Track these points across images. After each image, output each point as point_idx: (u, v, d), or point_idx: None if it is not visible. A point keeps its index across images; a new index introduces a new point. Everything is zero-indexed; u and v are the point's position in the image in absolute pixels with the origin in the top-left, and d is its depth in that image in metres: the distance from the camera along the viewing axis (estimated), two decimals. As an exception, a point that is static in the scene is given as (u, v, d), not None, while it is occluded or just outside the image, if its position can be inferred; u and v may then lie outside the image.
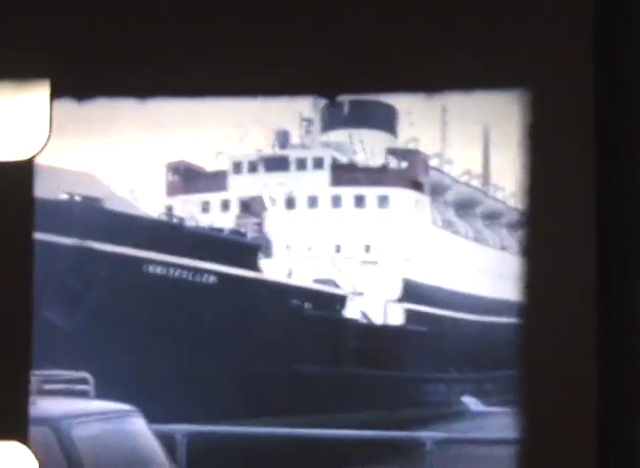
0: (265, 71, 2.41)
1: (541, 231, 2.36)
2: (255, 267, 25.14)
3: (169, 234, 22.40)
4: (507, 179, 44.93)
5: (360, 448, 16.51)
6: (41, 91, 2.47)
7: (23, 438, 2.46)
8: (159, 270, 22.57)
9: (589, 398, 2.30)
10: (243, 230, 28.32)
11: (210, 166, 33.58)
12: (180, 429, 11.11)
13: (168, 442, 9.80)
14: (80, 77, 2.51)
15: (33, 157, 2.50)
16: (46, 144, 2.51)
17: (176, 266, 23.03)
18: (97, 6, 2.55)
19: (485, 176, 43.05)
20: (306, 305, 26.39)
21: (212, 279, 23.58)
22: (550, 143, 2.38)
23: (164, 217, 24.31)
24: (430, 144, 36.57)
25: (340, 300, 27.86)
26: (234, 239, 25.61)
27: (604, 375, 2.31)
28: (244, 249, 25.26)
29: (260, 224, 29.38)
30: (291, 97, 2.77)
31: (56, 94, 2.51)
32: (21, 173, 2.50)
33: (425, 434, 12.27)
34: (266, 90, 2.51)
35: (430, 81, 2.45)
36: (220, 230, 25.87)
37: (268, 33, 2.41)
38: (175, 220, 24.96)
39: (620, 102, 2.38)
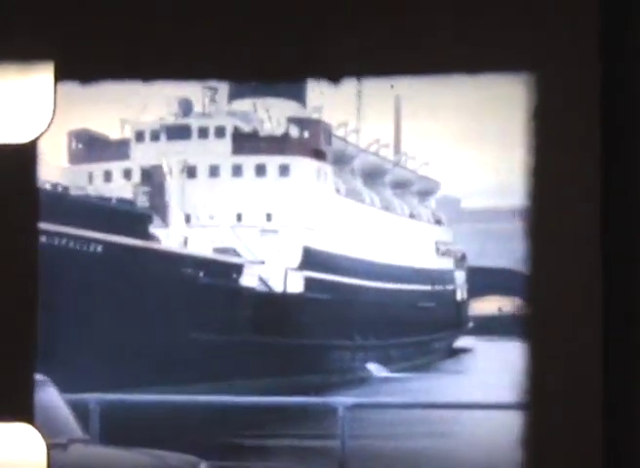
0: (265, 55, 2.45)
1: (544, 218, 2.37)
2: (145, 236, 25.06)
3: (53, 203, 22.18)
4: (419, 149, 45.25)
5: (269, 413, 16.66)
6: (45, 73, 2.50)
7: (30, 419, 2.53)
8: (43, 239, 22.41)
9: (592, 397, 2.34)
10: (139, 199, 28.23)
11: (114, 134, 33.42)
12: (92, 398, 11.16)
13: (81, 411, 9.86)
14: (84, 59, 2.54)
15: (36, 139, 2.52)
16: (49, 127, 2.54)
17: (61, 235, 22.90)
18: None
19: (396, 146, 43.25)
20: (201, 274, 26.41)
21: (99, 248, 23.49)
22: (554, 128, 2.38)
23: (48, 186, 24.10)
24: (341, 113, 36.63)
25: (237, 269, 27.90)
26: (122, 208, 25.49)
27: (606, 376, 2.35)
28: (133, 218, 25.14)
29: (158, 193, 29.31)
30: (291, 80, 2.85)
31: (60, 76, 2.54)
32: (24, 155, 2.52)
33: (337, 399, 12.42)
34: (268, 74, 2.55)
35: (434, 64, 2.47)
36: (108, 199, 25.75)
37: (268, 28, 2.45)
38: (59, 189, 24.77)
39: (620, 103, 2.40)
